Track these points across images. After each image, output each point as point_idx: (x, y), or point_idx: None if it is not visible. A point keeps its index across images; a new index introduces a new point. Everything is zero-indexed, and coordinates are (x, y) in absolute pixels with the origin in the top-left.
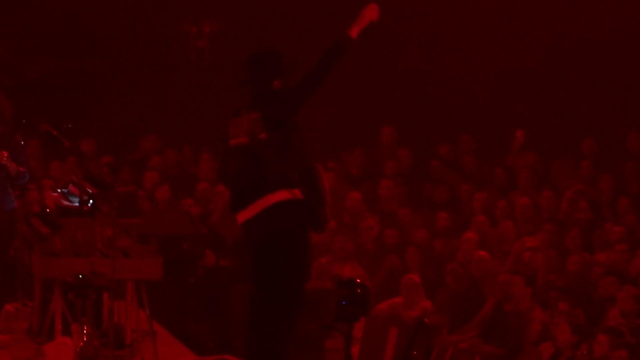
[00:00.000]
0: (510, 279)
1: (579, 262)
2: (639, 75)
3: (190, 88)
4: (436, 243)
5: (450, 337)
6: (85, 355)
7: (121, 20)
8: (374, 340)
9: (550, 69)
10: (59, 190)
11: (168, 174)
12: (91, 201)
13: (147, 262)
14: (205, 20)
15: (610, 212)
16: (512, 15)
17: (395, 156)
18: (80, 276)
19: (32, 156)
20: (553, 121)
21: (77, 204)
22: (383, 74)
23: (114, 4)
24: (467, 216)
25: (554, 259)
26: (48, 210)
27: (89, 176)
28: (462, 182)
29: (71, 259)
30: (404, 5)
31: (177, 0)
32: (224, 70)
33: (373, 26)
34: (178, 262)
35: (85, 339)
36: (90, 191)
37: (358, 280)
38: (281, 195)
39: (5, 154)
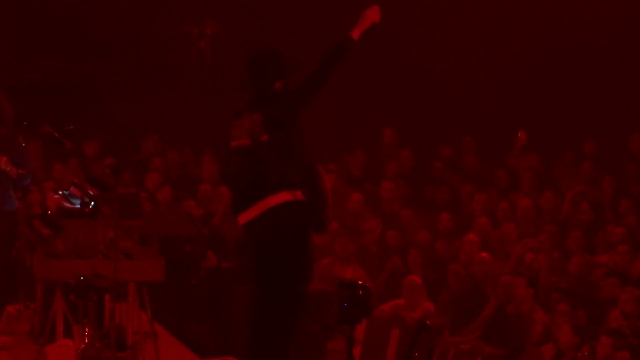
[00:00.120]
0: (512, 280)
1: (581, 264)
2: None
3: (191, 89)
4: (438, 244)
5: (452, 338)
6: (87, 357)
7: (123, 22)
8: (375, 341)
9: (552, 70)
10: (61, 192)
11: (170, 175)
12: (93, 203)
13: (149, 263)
14: (206, 22)
15: (612, 213)
16: (514, 16)
17: (397, 157)
18: (82, 278)
19: (33, 158)
20: (555, 122)
21: (78, 206)
22: (384, 75)
23: (116, 5)
24: (469, 217)
25: (556, 260)
26: (50, 212)
27: (91, 178)
28: (464, 183)
29: (73, 260)
30: (406, 6)
31: (178, 2)
32: (225, 71)
33: (375, 28)
34: (180, 264)
35: (86, 341)
36: (91, 193)
37: (360, 282)
38: (283, 196)
39: (4, 159)
